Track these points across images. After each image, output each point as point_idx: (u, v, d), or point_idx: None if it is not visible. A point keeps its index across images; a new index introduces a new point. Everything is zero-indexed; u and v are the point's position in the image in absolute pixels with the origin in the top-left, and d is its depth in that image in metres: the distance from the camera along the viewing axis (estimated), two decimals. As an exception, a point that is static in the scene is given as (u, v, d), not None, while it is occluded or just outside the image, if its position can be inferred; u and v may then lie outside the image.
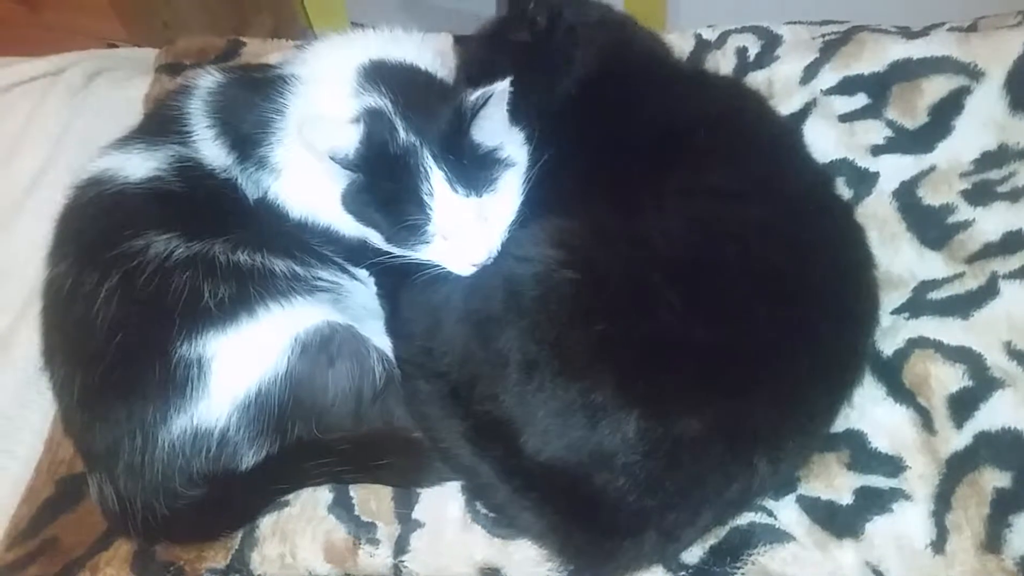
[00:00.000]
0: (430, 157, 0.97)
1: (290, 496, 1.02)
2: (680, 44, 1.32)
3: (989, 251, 1.02)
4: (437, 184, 0.97)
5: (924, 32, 1.17)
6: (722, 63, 1.27)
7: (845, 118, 1.15)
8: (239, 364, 0.98)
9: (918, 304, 1.03)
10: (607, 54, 1.12)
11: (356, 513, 1.00)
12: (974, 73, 1.10)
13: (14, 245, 1.32)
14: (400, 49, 1.11)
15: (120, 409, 0.97)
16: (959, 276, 1.02)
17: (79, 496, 1.05)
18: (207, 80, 1.12)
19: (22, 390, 1.20)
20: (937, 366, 0.96)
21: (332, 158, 0.96)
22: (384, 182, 0.99)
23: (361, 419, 1.04)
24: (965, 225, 1.05)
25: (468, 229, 1.00)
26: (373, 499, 1.01)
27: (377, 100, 1.02)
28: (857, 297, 0.98)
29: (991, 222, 1.03)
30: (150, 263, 0.99)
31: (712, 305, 0.91)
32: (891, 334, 1.01)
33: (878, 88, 1.15)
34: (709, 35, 1.32)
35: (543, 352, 0.92)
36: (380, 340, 1.07)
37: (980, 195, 1.05)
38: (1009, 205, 1.03)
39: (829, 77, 1.18)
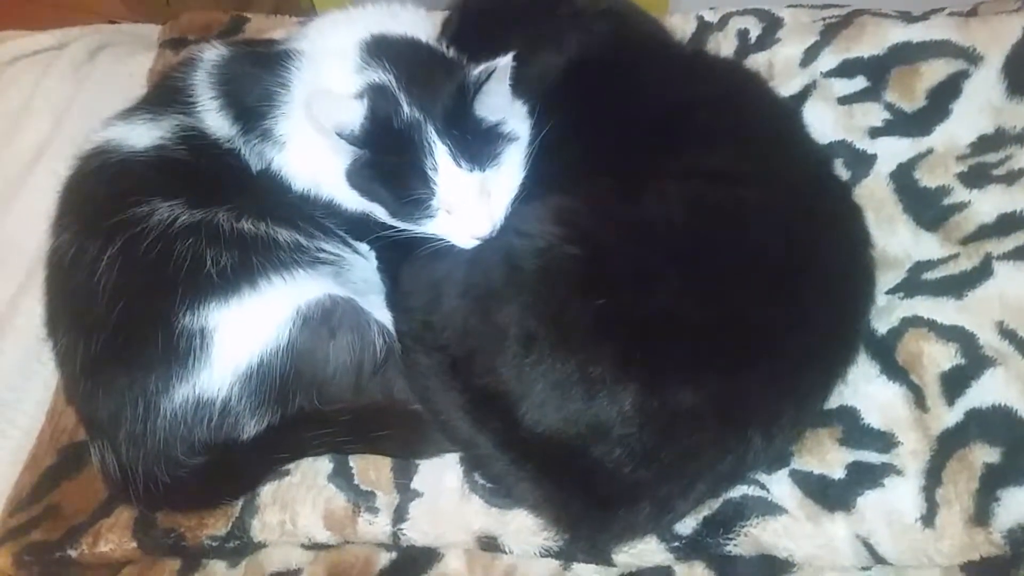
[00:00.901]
0: (434, 132, 0.98)
1: (291, 466, 1.03)
2: (682, 26, 1.33)
3: (984, 232, 1.04)
4: (441, 158, 0.98)
5: (924, 16, 1.18)
6: (723, 45, 1.28)
7: (844, 100, 1.16)
8: (241, 335, 0.99)
9: (913, 284, 1.04)
10: (609, 36, 1.13)
11: (356, 482, 1.01)
12: (973, 57, 1.11)
13: (17, 217, 1.32)
14: (402, 24, 1.12)
15: (122, 377, 0.98)
16: (954, 257, 1.04)
17: (81, 464, 1.07)
18: (212, 53, 1.13)
19: (24, 361, 1.21)
20: (930, 344, 0.97)
21: (338, 134, 0.97)
22: (389, 157, 1.00)
23: (361, 391, 1.05)
24: (961, 207, 1.06)
25: (472, 203, 1.02)
26: (372, 469, 1.02)
27: (381, 75, 1.03)
28: (853, 277, 0.99)
29: (987, 204, 1.04)
30: (153, 230, 1.00)
31: (710, 283, 0.91)
32: (886, 313, 1.03)
33: (877, 71, 1.15)
34: (711, 17, 1.33)
35: (542, 326, 0.93)
36: (381, 314, 1.08)
37: (976, 178, 1.06)
38: (1005, 188, 1.04)
39: (829, 60, 1.19)
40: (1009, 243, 1.01)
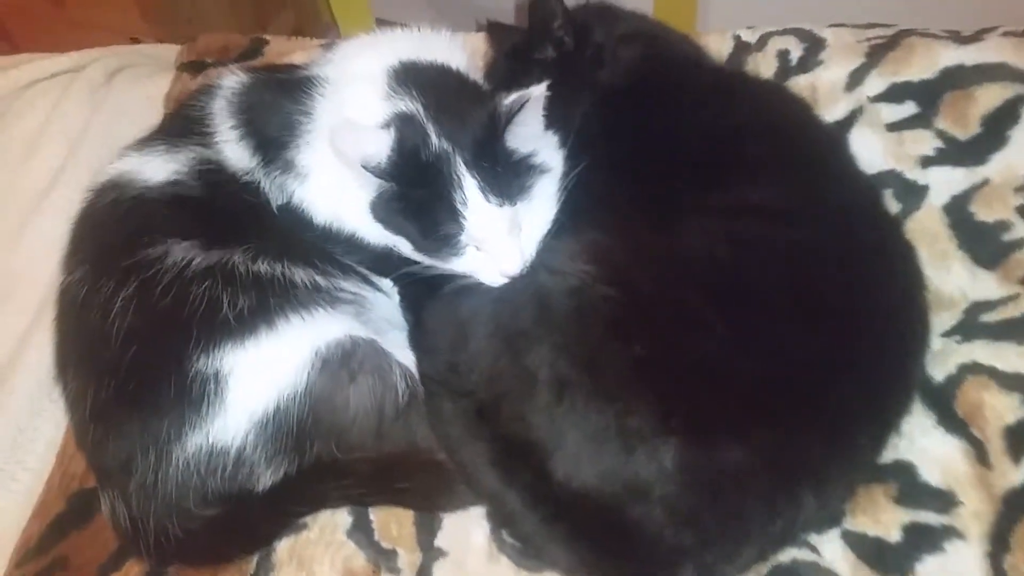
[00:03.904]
0: (463, 164, 0.93)
1: (308, 519, 0.98)
2: (718, 46, 1.27)
3: (1049, 271, 0.97)
4: (470, 192, 0.93)
5: (977, 37, 1.11)
6: (762, 66, 1.22)
7: (893, 127, 1.10)
8: (257, 379, 0.94)
9: (970, 327, 0.97)
10: (640, 66, 1.08)
11: (376, 539, 0.96)
12: (1033, 80, 1.04)
13: (30, 247, 1.28)
14: (430, 49, 1.07)
15: (133, 424, 0.94)
16: (1014, 298, 0.97)
17: (90, 513, 1.02)
18: (231, 80, 1.09)
19: (35, 398, 1.17)
20: (992, 395, 0.91)
21: (364, 167, 0.92)
22: (416, 190, 0.95)
23: (382, 438, 0.99)
24: (1021, 244, 0.99)
25: (502, 239, 0.96)
26: (394, 524, 0.97)
27: (408, 104, 0.98)
28: (907, 321, 0.92)
29: (1051, 240, 0.98)
30: (168, 272, 0.95)
31: (756, 329, 0.86)
32: (942, 359, 0.96)
33: (928, 96, 1.09)
34: (748, 37, 1.27)
35: (575, 371, 0.87)
36: (403, 354, 1.03)
37: (1039, 212, 1.00)
38: (1070, 223, 0.97)
39: (876, 83, 1.12)
40: (1076, 284, 0.94)
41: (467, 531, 0.96)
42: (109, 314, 0.95)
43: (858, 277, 0.89)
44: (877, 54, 1.14)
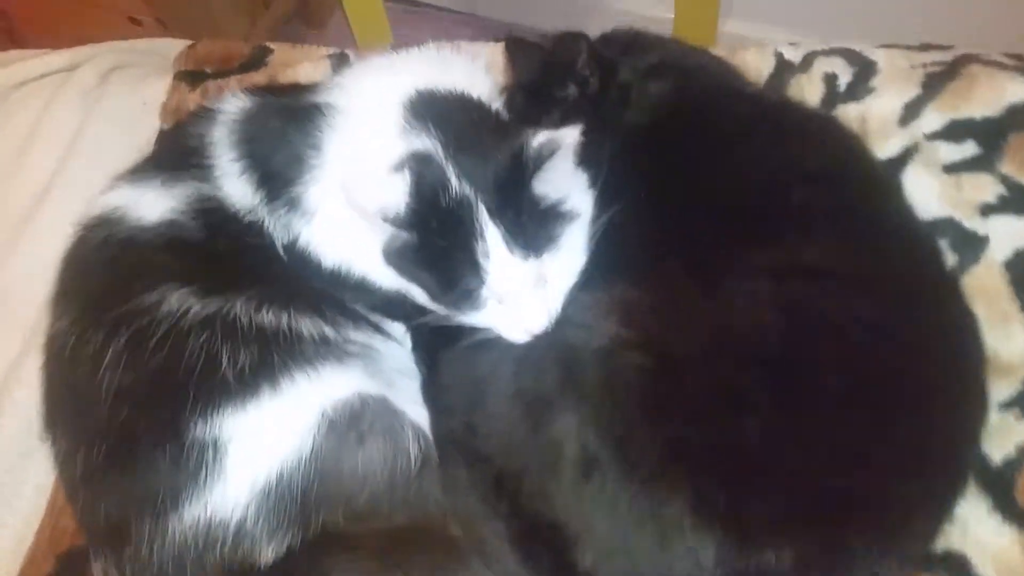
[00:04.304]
0: (486, 212, 0.86)
1: (314, 595, 0.92)
2: (757, 63, 1.17)
3: (1121, 342, 0.89)
4: (493, 244, 0.86)
5: None
6: (807, 90, 1.12)
7: (951, 169, 1.00)
8: (259, 445, 0.88)
9: (1034, 401, 0.90)
10: (671, 101, 1.00)
11: (387, 614, 0.90)
12: (1111, 121, 0.95)
13: (21, 263, 1.21)
14: (450, 74, 0.98)
15: (127, 493, 0.87)
16: (1083, 369, 0.89)
17: (81, 570, 0.95)
18: (232, 105, 1.01)
19: (24, 436, 1.09)
20: (1056, 484, 0.84)
21: (384, 218, 0.85)
22: (434, 239, 0.87)
23: (393, 507, 0.91)
24: (1093, 309, 0.91)
25: (526, 294, 0.89)
26: (406, 600, 0.91)
27: (425, 142, 0.90)
28: (966, 398, 0.85)
29: None
30: (162, 322, 0.88)
31: (806, 411, 0.78)
32: (1000, 436, 0.88)
33: (991, 136, 0.99)
34: (792, 55, 1.16)
35: (606, 449, 0.81)
36: (416, 411, 0.96)
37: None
38: None
39: (933, 119, 1.03)
40: None
41: (484, 607, 0.90)
42: (99, 369, 0.88)
43: (919, 355, 0.82)
44: (935, 84, 1.05)
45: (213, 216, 0.94)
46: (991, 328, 0.93)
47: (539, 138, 0.88)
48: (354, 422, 0.91)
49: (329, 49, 1.23)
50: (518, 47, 1.15)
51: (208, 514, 0.86)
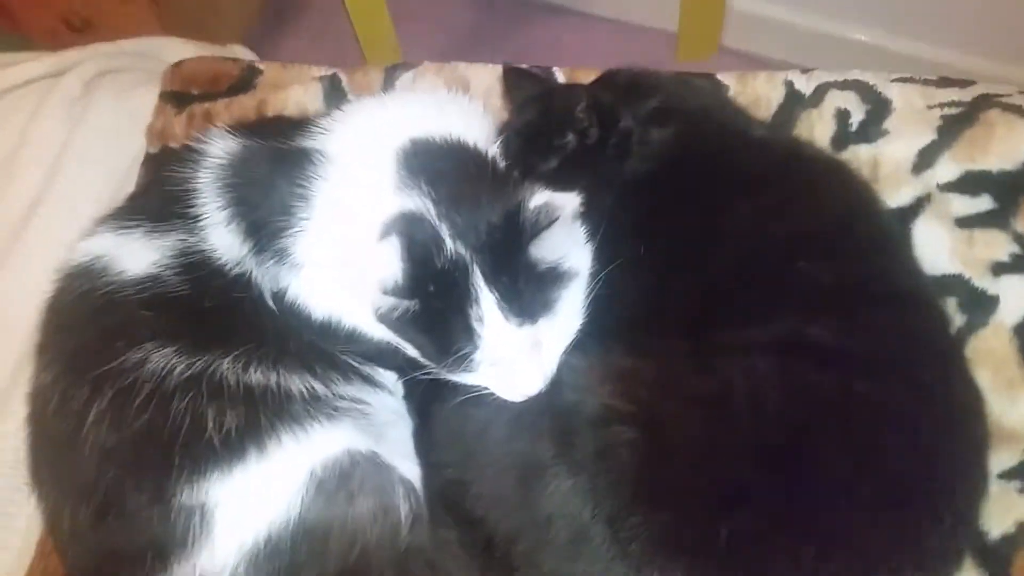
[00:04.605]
0: (481, 277, 0.83)
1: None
2: (768, 92, 1.13)
3: None
4: (487, 310, 0.83)
5: None
6: (817, 127, 1.08)
7: (964, 223, 0.97)
8: (247, 509, 0.86)
9: (1036, 476, 0.88)
10: (672, 150, 0.96)
11: (376, 674, 0.90)
12: None
13: (10, 283, 1.19)
14: (448, 121, 0.95)
15: (114, 553, 0.87)
16: (1088, 444, 0.87)
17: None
18: (219, 148, 0.97)
19: (16, 467, 1.09)
20: (1055, 568, 0.83)
21: (384, 292, 0.83)
22: (432, 302, 0.85)
23: (383, 564, 0.91)
24: (1101, 382, 0.88)
25: (521, 360, 0.87)
26: (394, 661, 0.91)
27: (417, 201, 0.87)
28: (968, 475, 0.83)
29: None
30: (146, 383, 0.86)
31: (803, 500, 0.76)
32: (1000, 509, 0.86)
33: (1007, 191, 0.96)
34: (803, 86, 1.12)
35: (597, 524, 0.80)
36: (406, 466, 0.95)
37: (1123, 345, 0.88)
38: None
39: (948, 169, 0.99)
40: None
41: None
42: (83, 428, 0.86)
43: (920, 437, 0.79)
44: (951, 130, 1.00)
45: (198, 270, 0.91)
46: (996, 394, 0.91)
47: (536, 200, 0.85)
48: (343, 481, 0.90)
49: (320, 70, 1.18)
50: (515, 75, 1.11)
51: (197, 574, 0.86)
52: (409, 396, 1.01)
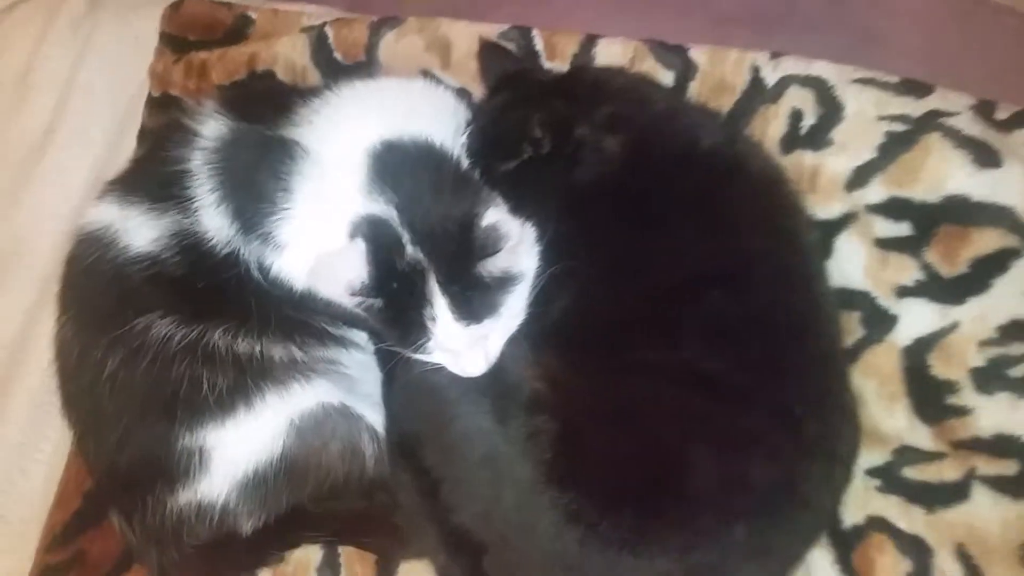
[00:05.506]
0: (436, 284, 0.97)
1: (285, 554, 1.15)
2: (734, 77, 1.17)
3: (977, 446, 1.00)
4: (440, 312, 0.98)
5: (995, 162, 1.02)
6: (772, 125, 1.13)
7: (882, 244, 1.06)
8: (237, 450, 1.06)
9: (893, 477, 1.04)
10: (619, 162, 1.03)
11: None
12: (1030, 238, 0.99)
13: (27, 213, 1.32)
14: (420, 117, 1.05)
15: (131, 478, 1.07)
16: (939, 457, 1.02)
17: (103, 514, 1.18)
18: (211, 129, 1.07)
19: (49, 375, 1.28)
20: (884, 556, 1.00)
21: (352, 294, 0.96)
22: (394, 298, 0.99)
23: (349, 495, 1.12)
24: (963, 411, 1.01)
25: (467, 350, 1.01)
26: (359, 563, 1.14)
27: (383, 206, 0.99)
28: (834, 480, 1.00)
29: (989, 418, 1.00)
30: (150, 348, 1.03)
31: (678, 503, 0.93)
32: (857, 502, 1.04)
33: (926, 222, 1.04)
34: (768, 74, 1.15)
35: (519, 495, 0.96)
36: (373, 415, 1.13)
37: (990, 379, 1.00)
38: (1013, 401, 0.99)
39: (877, 191, 1.06)
40: (993, 467, 0.99)
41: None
42: (100, 379, 1.04)
43: (787, 464, 0.94)
44: (890, 150, 1.06)
45: (192, 253, 1.04)
46: (878, 403, 1.06)
47: (489, 217, 0.96)
48: (318, 428, 1.09)
49: (309, 20, 1.23)
50: (493, 52, 1.16)
51: (198, 498, 1.07)
52: (378, 357, 1.16)
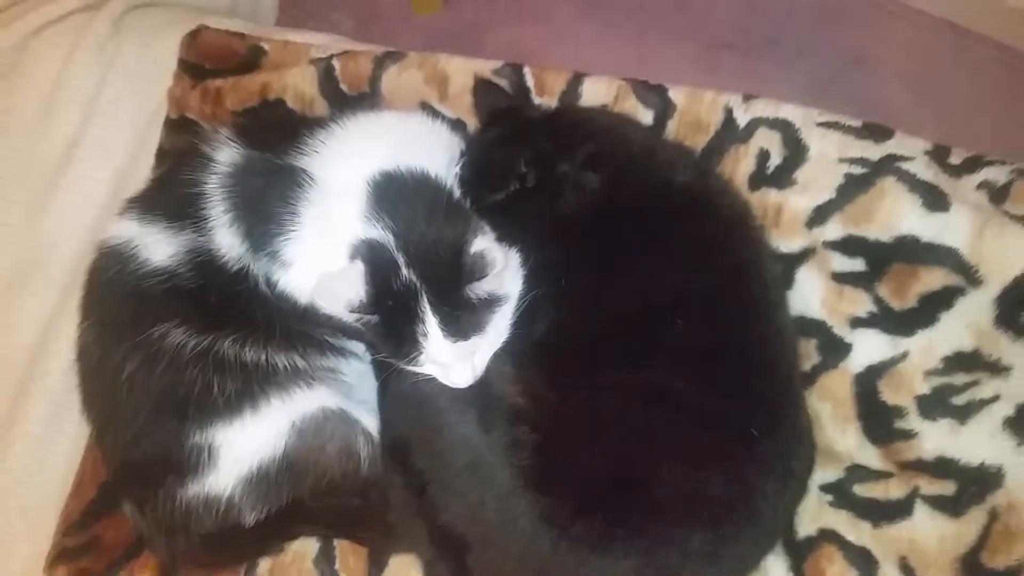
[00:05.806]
0: (427, 303, 1.06)
1: (285, 545, 1.25)
2: (708, 117, 1.26)
3: (920, 467, 1.10)
4: (431, 329, 1.07)
5: (944, 206, 1.11)
6: (741, 163, 1.22)
7: (839, 278, 1.16)
8: (243, 448, 1.15)
9: (844, 494, 1.14)
10: (597, 198, 1.12)
11: (336, 567, 1.23)
12: (973, 279, 1.08)
13: (50, 225, 1.41)
14: (416, 151, 1.14)
15: (144, 472, 1.17)
16: (886, 477, 1.12)
17: (116, 503, 1.27)
18: (225, 155, 1.17)
19: (69, 373, 1.34)
20: (834, 566, 1.10)
21: (351, 311, 1.06)
22: (390, 315, 1.08)
23: (345, 492, 1.22)
24: (908, 435, 1.11)
25: (455, 364, 1.11)
26: (352, 556, 1.24)
27: (380, 232, 1.08)
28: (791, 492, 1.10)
29: (931, 442, 1.09)
30: (166, 354, 1.12)
31: (645, 513, 1.02)
32: (810, 515, 1.14)
33: (878, 260, 1.13)
34: (740, 115, 1.24)
35: (496, 502, 1.06)
36: (369, 419, 1.22)
37: (934, 405, 1.10)
38: (952, 428, 1.08)
39: (835, 229, 1.16)
40: (934, 488, 1.08)
41: (408, 570, 1.22)
42: (119, 382, 1.13)
43: (747, 479, 1.04)
44: (848, 191, 1.16)
45: (206, 268, 1.14)
46: (832, 424, 1.16)
47: (478, 244, 1.05)
48: (318, 431, 1.18)
49: (318, 52, 1.32)
50: (488, 90, 1.25)
51: (206, 491, 1.16)
52: (375, 366, 1.26)
